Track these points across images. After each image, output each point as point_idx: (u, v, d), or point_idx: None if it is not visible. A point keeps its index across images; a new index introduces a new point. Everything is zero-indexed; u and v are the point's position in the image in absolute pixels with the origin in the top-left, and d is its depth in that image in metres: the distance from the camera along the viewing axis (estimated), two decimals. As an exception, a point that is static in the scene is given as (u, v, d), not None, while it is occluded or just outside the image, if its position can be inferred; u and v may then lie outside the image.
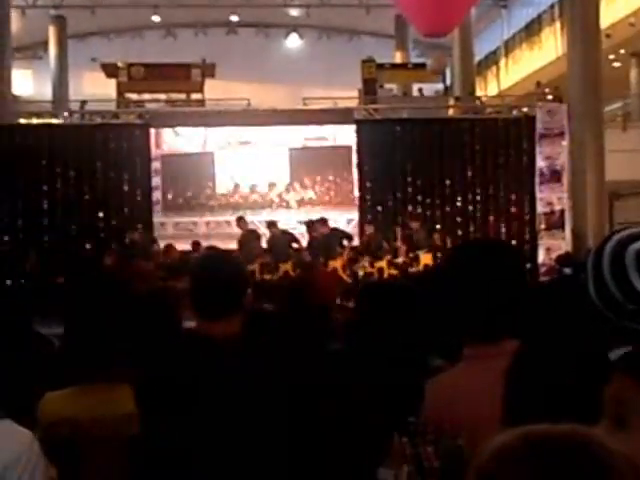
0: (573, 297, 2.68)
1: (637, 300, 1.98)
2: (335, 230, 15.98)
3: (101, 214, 16.75)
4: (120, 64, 19.85)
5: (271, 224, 16.07)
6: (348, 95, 20.80)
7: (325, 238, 15.62)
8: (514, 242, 17.03)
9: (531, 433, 0.99)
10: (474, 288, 2.27)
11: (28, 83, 29.25)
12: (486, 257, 2.34)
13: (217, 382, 2.29)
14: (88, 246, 16.40)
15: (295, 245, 15.94)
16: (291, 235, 16.09)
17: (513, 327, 2.25)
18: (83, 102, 18.92)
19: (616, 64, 25.53)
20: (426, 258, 14.96)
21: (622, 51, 24.71)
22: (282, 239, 15.78)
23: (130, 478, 2.21)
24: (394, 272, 14.67)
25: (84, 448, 2.29)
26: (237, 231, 16.40)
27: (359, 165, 17.36)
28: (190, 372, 2.28)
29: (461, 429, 1.97)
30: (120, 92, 19.80)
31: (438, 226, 16.57)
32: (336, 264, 15.34)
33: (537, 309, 2.71)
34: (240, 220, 16.03)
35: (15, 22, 23.30)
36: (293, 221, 16.83)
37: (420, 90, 23.79)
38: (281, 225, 16.23)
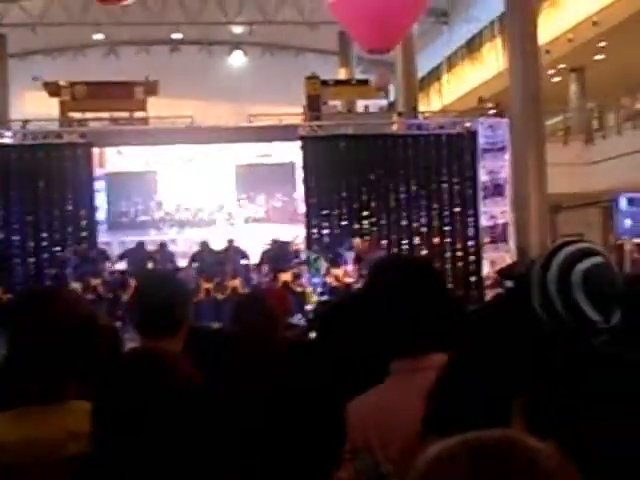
0: (510, 311, 2.71)
1: (580, 318, 2.02)
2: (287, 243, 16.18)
3: (45, 234, 16.55)
4: (62, 83, 19.64)
5: (230, 241, 16.19)
6: (293, 112, 20.86)
7: (278, 249, 15.75)
8: (459, 255, 17.22)
9: (466, 438, 1.02)
10: (397, 302, 2.30)
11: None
12: (407, 272, 2.38)
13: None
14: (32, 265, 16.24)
15: (245, 262, 16.03)
16: (242, 252, 16.19)
17: (441, 341, 2.29)
18: (25, 121, 18.70)
19: (556, 79, 25.96)
20: None
21: (561, 66, 25.14)
22: (234, 256, 15.91)
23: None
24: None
25: (17, 472, 2.26)
26: (183, 249, 16.44)
27: (304, 181, 17.39)
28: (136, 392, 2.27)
29: (390, 445, 1.99)
30: (63, 111, 19.59)
31: (384, 241, 16.65)
32: (286, 277, 15.39)
33: (476, 324, 2.76)
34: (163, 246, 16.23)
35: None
36: (239, 239, 16.74)
37: (366, 107, 23.94)
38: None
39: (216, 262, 15.75)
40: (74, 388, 2.45)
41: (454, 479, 0.97)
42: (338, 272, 15.50)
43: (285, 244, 16.04)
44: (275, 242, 16.03)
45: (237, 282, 15.46)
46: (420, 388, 1.86)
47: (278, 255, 15.74)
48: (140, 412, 1.78)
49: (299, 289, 15.40)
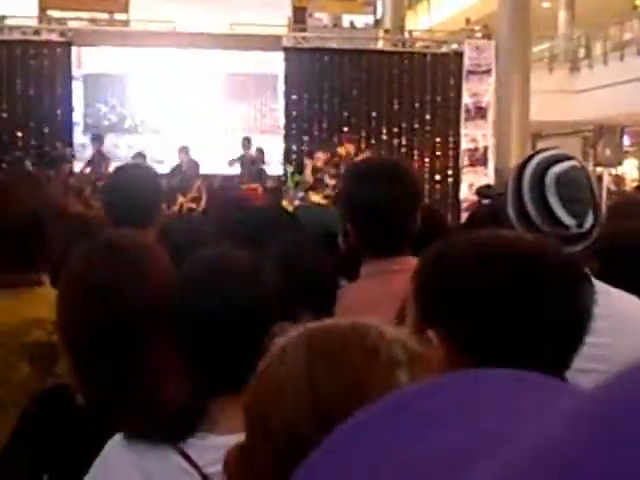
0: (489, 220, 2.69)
1: (554, 223, 1.98)
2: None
3: (20, 133, 16.30)
4: (42, -21, 19.20)
5: (184, 148, 15.89)
6: (277, 22, 20.54)
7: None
8: (437, 177, 17.20)
9: (309, 327, 1.05)
10: (364, 204, 2.30)
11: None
12: (377, 175, 2.37)
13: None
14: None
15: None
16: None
17: (408, 244, 2.29)
18: (3, 17, 18.26)
19: (546, 4, 25.68)
20: None
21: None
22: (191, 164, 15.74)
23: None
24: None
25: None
26: (159, 157, 16.20)
27: (285, 93, 17.18)
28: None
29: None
30: (42, 8, 19.19)
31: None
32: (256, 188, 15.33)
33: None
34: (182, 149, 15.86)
35: None
36: (218, 148, 16.58)
37: (351, 22, 23.61)
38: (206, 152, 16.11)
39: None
40: (43, 275, 2.42)
41: (293, 367, 1.00)
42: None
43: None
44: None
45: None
46: (390, 289, 1.83)
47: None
48: (109, 296, 1.73)
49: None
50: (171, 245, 2.21)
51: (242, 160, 16.01)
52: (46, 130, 16.33)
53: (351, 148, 15.28)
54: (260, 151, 16.30)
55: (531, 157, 2.10)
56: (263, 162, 16.15)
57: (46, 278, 2.43)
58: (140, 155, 15.51)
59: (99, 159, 15.24)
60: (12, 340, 2.23)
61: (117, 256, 1.79)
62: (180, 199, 15.34)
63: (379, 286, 2.20)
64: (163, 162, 15.81)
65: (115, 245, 1.83)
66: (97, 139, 15.77)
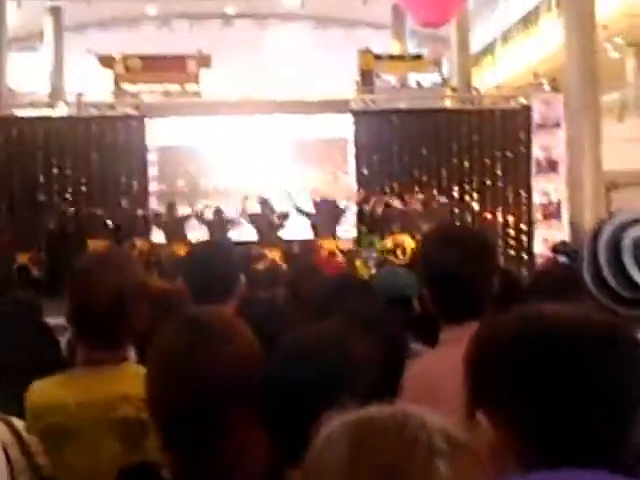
0: (563, 283, 2.68)
1: (632, 287, 1.97)
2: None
3: (98, 207, 16.54)
4: (116, 56, 19.81)
5: (263, 201, 15.97)
6: (344, 86, 20.76)
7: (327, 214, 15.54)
8: (511, 232, 17.07)
9: (351, 417, 1.06)
10: (438, 270, 2.32)
11: (24, 75, 29.10)
12: (450, 241, 2.39)
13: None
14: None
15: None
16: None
17: (486, 308, 2.29)
18: (79, 94, 18.86)
19: (614, 54, 25.48)
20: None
21: (619, 41, 24.67)
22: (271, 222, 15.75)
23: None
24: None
25: (73, 434, 2.29)
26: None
27: (356, 156, 17.32)
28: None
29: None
30: (117, 83, 19.77)
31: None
32: (331, 245, 15.25)
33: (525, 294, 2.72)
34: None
35: (11, 13, 23.24)
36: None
37: (418, 82, 23.72)
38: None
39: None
40: (130, 351, 2.49)
41: (336, 458, 1.01)
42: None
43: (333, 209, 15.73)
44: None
45: (276, 253, 15.17)
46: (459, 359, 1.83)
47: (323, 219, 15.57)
48: (189, 373, 1.76)
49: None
50: (252, 320, 2.26)
51: (309, 214, 15.80)
52: (124, 202, 16.66)
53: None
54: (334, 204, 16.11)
55: (607, 219, 2.09)
56: (337, 213, 15.95)
57: (131, 352, 2.50)
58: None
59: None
60: (100, 416, 2.29)
61: (199, 333, 1.83)
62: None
63: (453, 354, 2.19)
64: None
65: (198, 322, 1.87)
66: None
